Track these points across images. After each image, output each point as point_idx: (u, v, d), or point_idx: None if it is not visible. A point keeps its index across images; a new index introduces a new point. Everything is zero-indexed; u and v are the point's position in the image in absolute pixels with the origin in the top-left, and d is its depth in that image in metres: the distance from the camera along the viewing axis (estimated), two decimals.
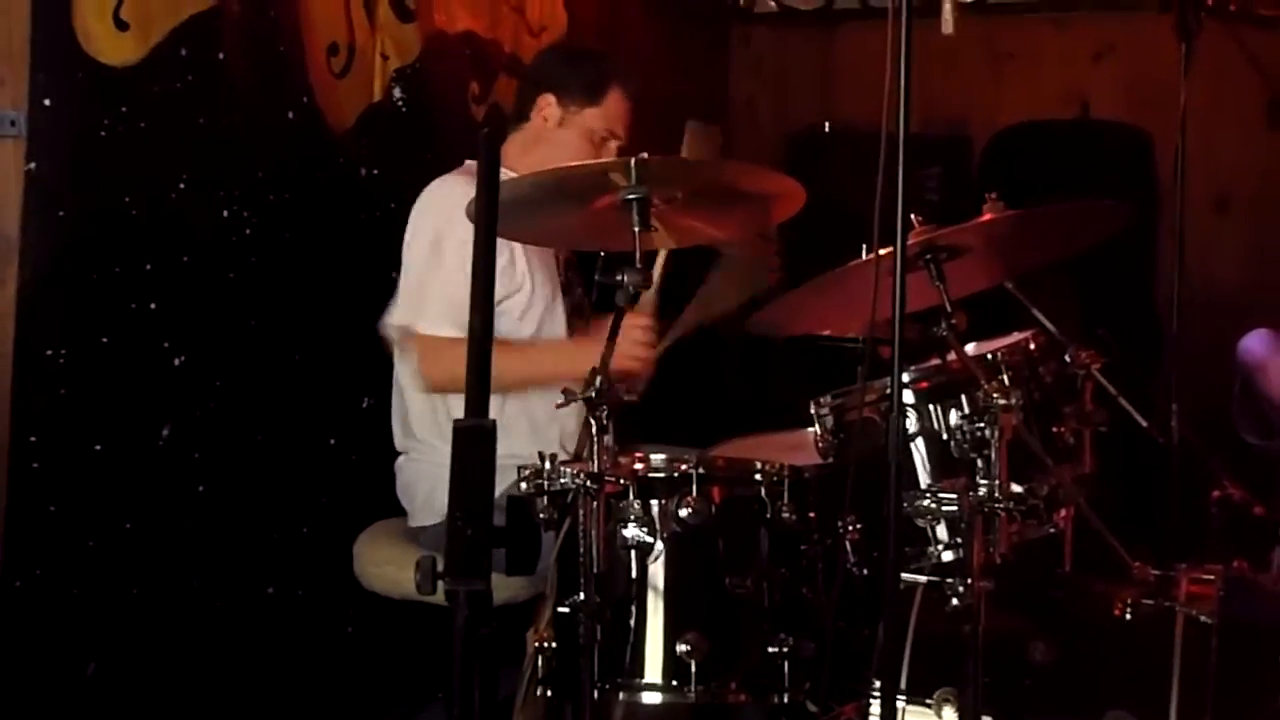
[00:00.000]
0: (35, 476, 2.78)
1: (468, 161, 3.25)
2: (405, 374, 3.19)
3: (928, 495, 2.52)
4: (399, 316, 3.11)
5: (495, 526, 1.64)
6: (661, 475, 2.44)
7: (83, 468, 2.87)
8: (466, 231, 3.00)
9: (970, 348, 2.77)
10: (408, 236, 3.13)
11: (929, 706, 2.53)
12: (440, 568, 1.65)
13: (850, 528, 2.60)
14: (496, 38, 4.03)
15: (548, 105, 3.22)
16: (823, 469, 2.67)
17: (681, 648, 2.37)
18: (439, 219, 3.06)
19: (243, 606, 3.25)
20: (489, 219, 1.68)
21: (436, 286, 3.02)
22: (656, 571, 2.41)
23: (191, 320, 3.07)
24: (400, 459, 3.26)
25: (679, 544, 2.41)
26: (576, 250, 3.31)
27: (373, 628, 3.53)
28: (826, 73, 5.63)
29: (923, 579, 2.61)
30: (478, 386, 1.63)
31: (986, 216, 2.74)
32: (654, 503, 2.41)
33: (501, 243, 3.01)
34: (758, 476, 2.51)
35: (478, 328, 1.65)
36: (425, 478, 3.15)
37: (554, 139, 3.19)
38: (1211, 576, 2.62)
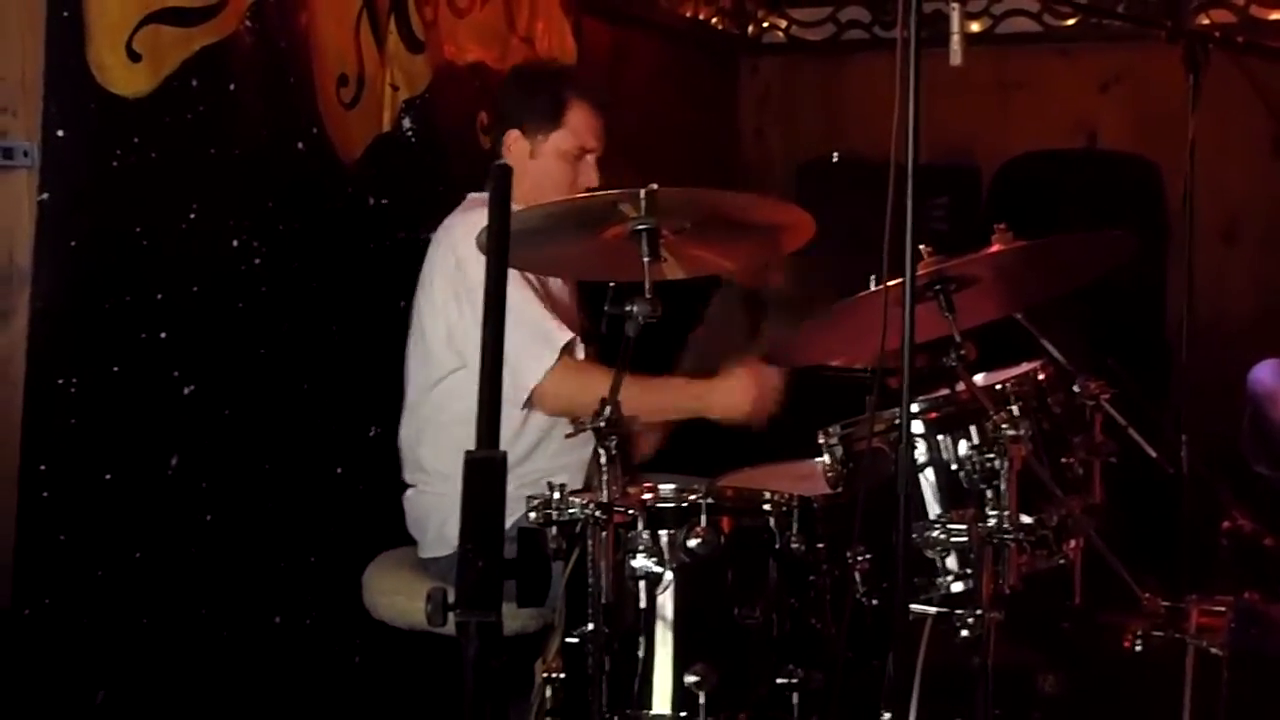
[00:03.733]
0: (45, 505, 2.78)
1: (470, 196, 3.26)
2: (426, 404, 3.18)
3: (937, 526, 2.52)
4: (526, 379, 3.03)
5: (506, 558, 1.64)
6: (670, 505, 2.44)
7: (92, 496, 2.87)
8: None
9: (979, 378, 2.77)
10: (454, 289, 3.09)
11: None
12: (451, 599, 1.64)
13: (859, 558, 2.59)
14: (506, 69, 4.03)
15: (514, 141, 3.23)
16: (831, 499, 2.67)
17: (690, 678, 2.36)
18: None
19: (250, 635, 3.25)
20: (500, 251, 1.69)
21: (518, 323, 3.01)
22: (665, 602, 2.40)
23: (201, 350, 3.08)
24: (409, 491, 3.26)
25: (688, 574, 2.41)
26: (584, 281, 3.31)
27: (381, 658, 3.52)
28: (835, 103, 5.65)
29: (932, 610, 2.61)
30: (488, 418, 1.63)
31: (995, 247, 2.74)
32: (663, 533, 2.40)
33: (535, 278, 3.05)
34: (766, 507, 2.50)
35: (489, 360, 1.65)
36: (437, 510, 3.15)
37: (531, 171, 3.17)
38: (1222, 608, 2.61)
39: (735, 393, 3.08)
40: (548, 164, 3.19)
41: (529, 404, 3.07)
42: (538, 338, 3.04)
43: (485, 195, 3.21)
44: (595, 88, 3.29)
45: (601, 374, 2.83)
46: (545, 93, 3.23)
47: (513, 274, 2.98)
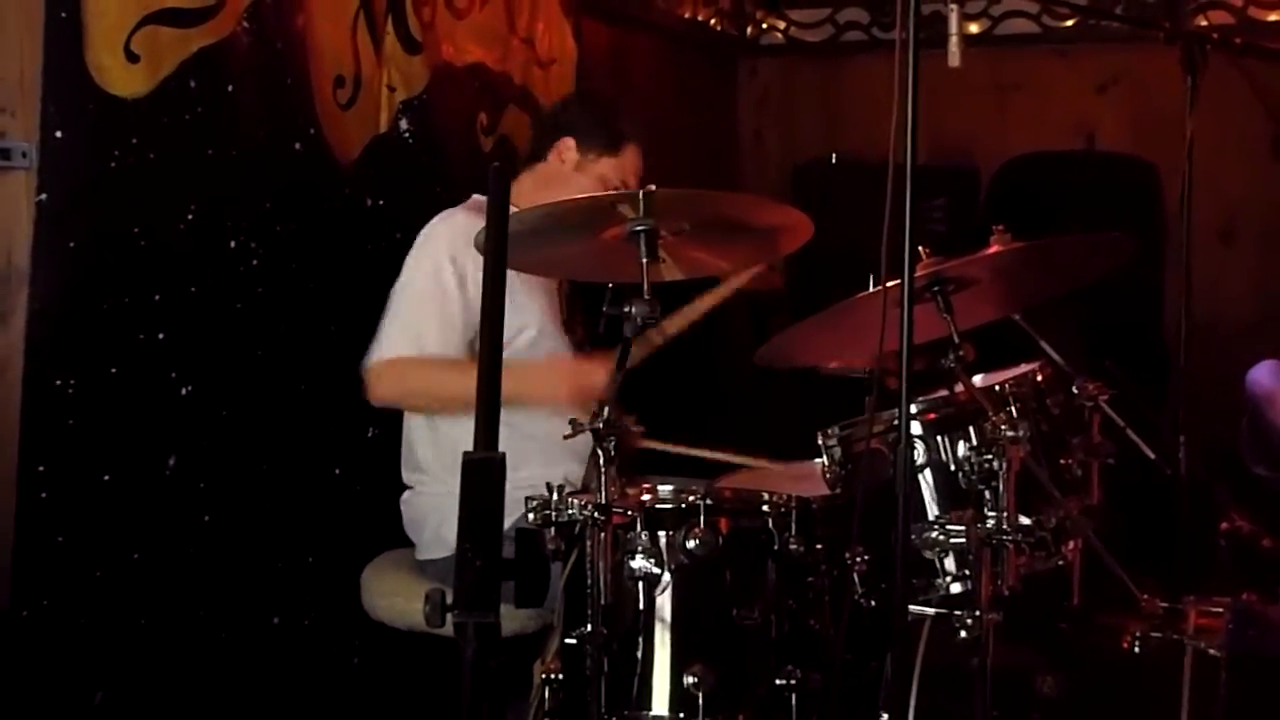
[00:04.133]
0: (43, 506, 2.78)
1: (475, 196, 3.27)
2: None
3: (935, 527, 2.52)
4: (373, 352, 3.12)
5: (504, 559, 1.64)
6: (669, 507, 2.44)
7: (90, 497, 2.87)
8: (459, 262, 3.05)
9: (978, 379, 2.77)
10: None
11: None
12: (449, 600, 1.64)
13: (858, 559, 2.59)
14: (506, 70, 4.04)
15: (567, 149, 3.26)
16: (830, 500, 2.67)
17: (689, 679, 2.36)
18: (425, 256, 3.11)
19: (249, 636, 3.25)
20: (498, 252, 1.69)
21: (404, 311, 3.08)
22: (664, 603, 2.40)
23: (199, 350, 3.08)
24: (406, 493, 3.26)
25: (686, 575, 2.40)
26: (581, 282, 3.31)
27: (379, 659, 3.52)
28: (833, 104, 5.66)
29: (930, 611, 2.61)
30: (487, 418, 1.63)
31: (994, 248, 2.74)
32: (661, 534, 2.40)
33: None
34: (765, 508, 2.50)
35: (487, 361, 1.65)
36: (434, 510, 3.15)
37: (569, 181, 3.22)
38: (1220, 609, 2.61)
39: (554, 382, 3.07)
40: (586, 182, 3.23)
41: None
42: (418, 328, 3.07)
43: (478, 198, 3.24)
44: (645, 136, 3.35)
45: (440, 369, 3.02)
46: (612, 123, 3.29)
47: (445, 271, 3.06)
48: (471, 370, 2.95)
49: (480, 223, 3.07)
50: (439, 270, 3.08)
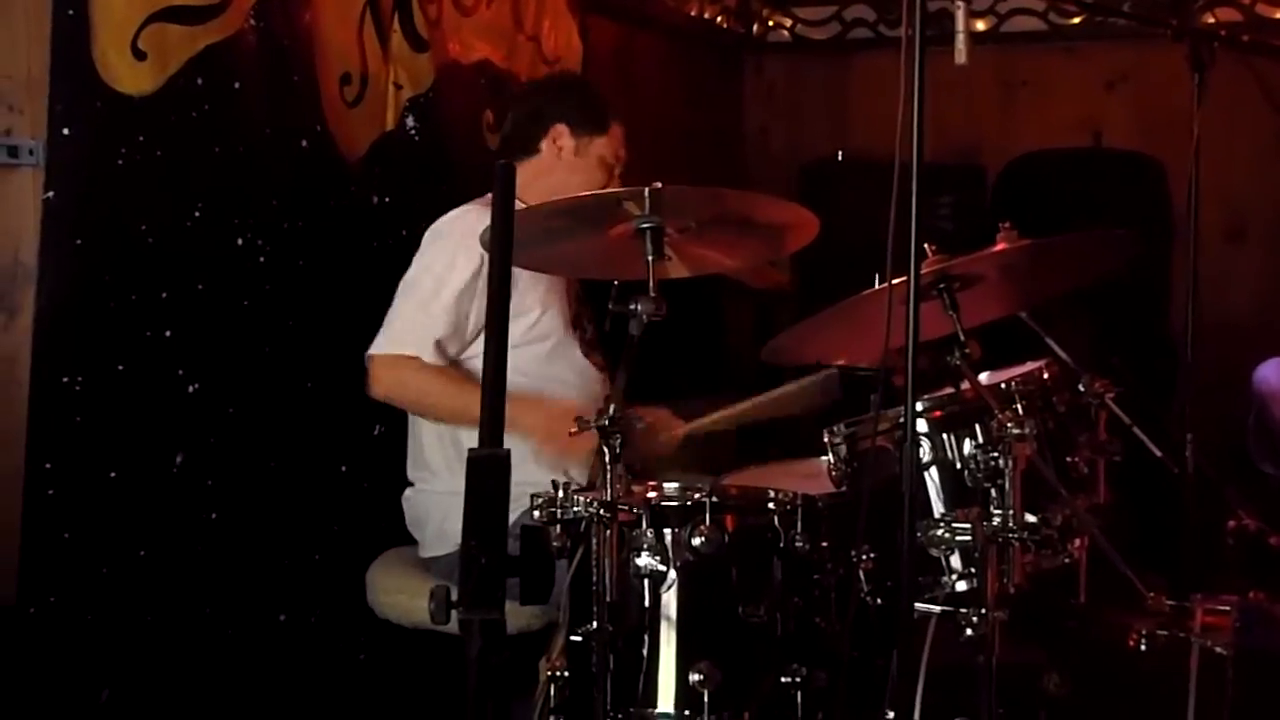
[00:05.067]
0: (50, 503, 2.78)
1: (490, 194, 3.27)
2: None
3: (941, 525, 2.51)
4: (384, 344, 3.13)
5: (509, 555, 1.64)
6: (675, 504, 2.44)
7: (97, 494, 2.88)
8: (465, 260, 3.05)
9: (984, 377, 2.77)
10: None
11: None
12: (454, 597, 1.64)
13: (864, 557, 2.59)
14: (512, 68, 4.05)
15: (561, 136, 3.25)
16: (836, 498, 2.67)
17: (694, 677, 2.36)
18: (438, 253, 3.12)
19: (255, 633, 3.25)
20: (504, 250, 1.69)
21: (411, 306, 3.09)
22: (669, 600, 2.40)
23: (205, 348, 3.08)
24: (408, 491, 3.27)
25: (692, 573, 2.40)
26: (588, 280, 3.31)
27: (385, 656, 3.52)
28: (840, 102, 5.65)
29: (937, 609, 2.61)
30: (492, 415, 1.63)
31: (1000, 246, 2.74)
32: (667, 531, 2.40)
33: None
34: (771, 505, 2.50)
35: (492, 357, 1.65)
36: (436, 507, 3.15)
37: (571, 167, 3.23)
38: (1227, 607, 2.61)
39: (535, 419, 2.99)
40: (588, 165, 3.25)
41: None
42: (416, 321, 3.08)
43: (482, 199, 3.24)
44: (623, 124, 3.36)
45: (440, 383, 3.03)
46: (595, 102, 3.31)
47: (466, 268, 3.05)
48: (470, 391, 2.97)
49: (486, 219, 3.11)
50: (450, 267, 3.08)
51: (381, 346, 3.11)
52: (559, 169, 3.22)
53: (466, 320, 3.09)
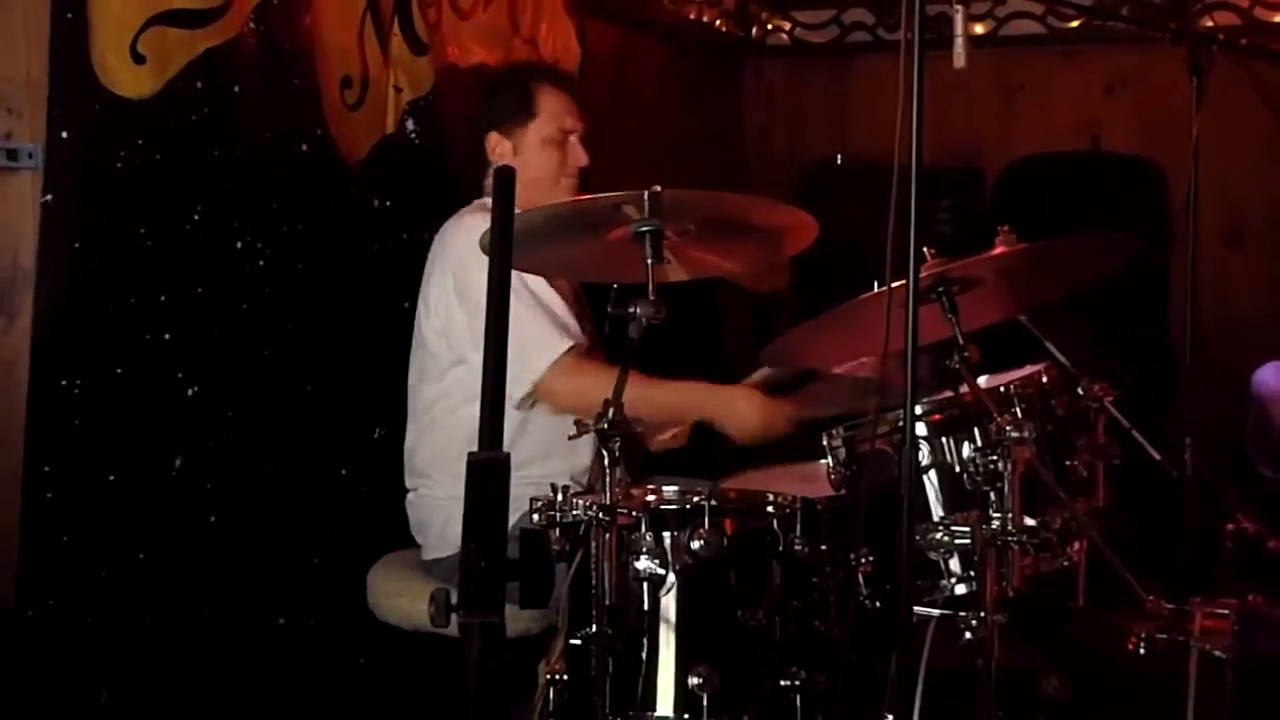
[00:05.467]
0: (49, 506, 2.79)
1: (479, 201, 3.27)
2: (422, 406, 3.20)
3: (940, 528, 2.51)
4: (525, 379, 3.05)
5: (509, 559, 1.64)
6: (674, 507, 2.43)
7: (96, 498, 2.88)
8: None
9: (983, 380, 2.77)
10: (449, 285, 3.12)
11: None
12: (454, 600, 1.64)
13: (863, 560, 2.59)
14: None
15: (497, 143, 3.26)
16: (835, 501, 2.66)
17: (693, 680, 2.36)
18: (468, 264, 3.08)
19: (255, 637, 3.25)
20: (504, 252, 1.69)
21: (523, 326, 2.96)
22: (668, 604, 2.40)
23: (205, 351, 3.08)
24: (410, 496, 3.27)
25: (691, 576, 2.40)
26: (586, 283, 3.31)
27: (385, 659, 3.52)
28: (839, 105, 5.66)
29: (936, 612, 2.61)
30: (491, 417, 1.63)
31: (999, 249, 2.74)
32: (666, 535, 2.40)
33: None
34: (770, 509, 2.50)
35: (491, 361, 1.65)
36: (439, 511, 3.15)
37: (521, 166, 3.17)
38: (1226, 610, 2.61)
39: (751, 410, 3.10)
40: (533, 155, 3.23)
41: (533, 398, 3.07)
42: (553, 328, 3.07)
43: (485, 200, 3.24)
44: (558, 72, 3.35)
45: (608, 372, 2.83)
46: (512, 88, 3.29)
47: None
48: (653, 384, 2.89)
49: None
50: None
51: (537, 368, 3.04)
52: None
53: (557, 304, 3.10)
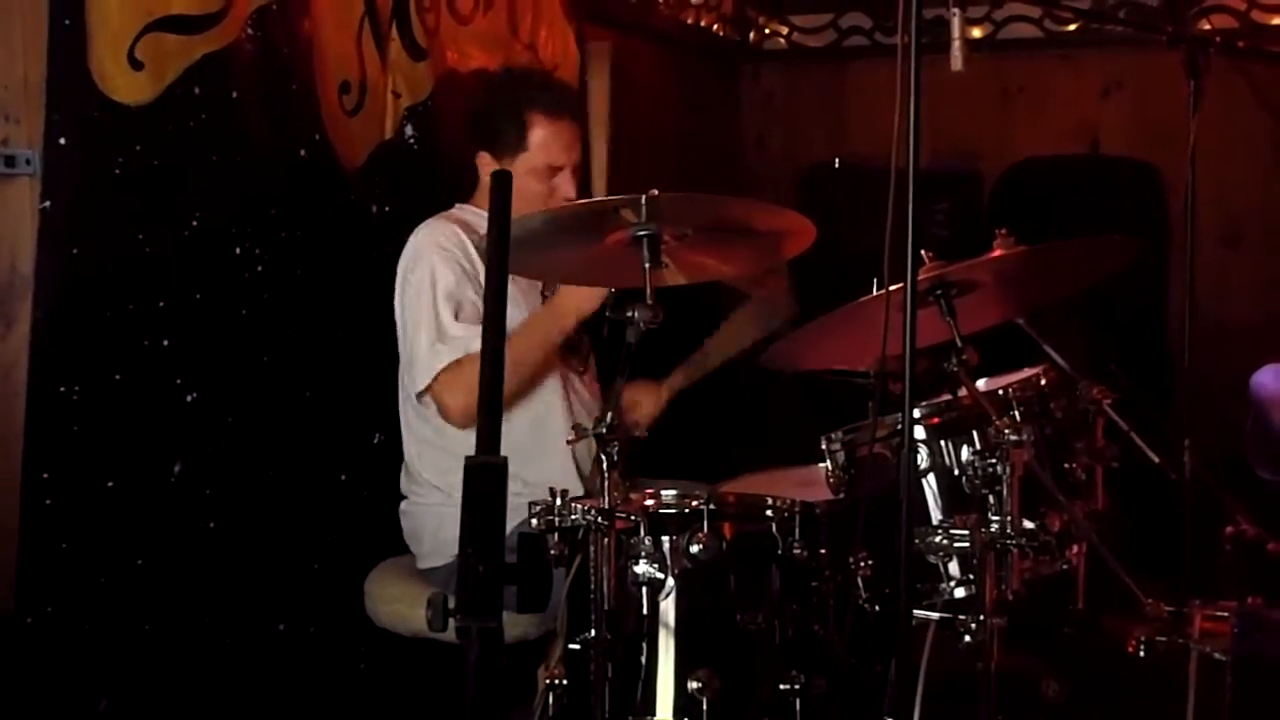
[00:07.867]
0: (47, 513, 2.78)
1: (457, 206, 3.26)
2: (410, 416, 3.19)
3: (939, 531, 2.52)
4: (420, 377, 3.05)
5: (507, 563, 1.64)
6: (672, 511, 2.44)
7: (95, 504, 2.87)
8: (439, 265, 3.04)
9: (981, 383, 2.77)
10: (397, 294, 3.14)
11: None
12: (452, 605, 1.64)
13: (862, 564, 2.59)
14: None
15: (486, 164, 3.20)
16: (834, 505, 2.67)
17: (693, 684, 2.36)
18: (421, 266, 3.09)
19: (254, 643, 3.25)
20: (502, 255, 1.69)
21: (426, 320, 3.03)
22: (667, 608, 2.40)
23: (203, 357, 3.08)
24: (403, 503, 3.26)
25: (690, 580, 2.41)
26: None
27: (384, 665, 3.52)
28: (836, 109, 5.66)
29: (935, 616, 2.61)
30: (488, 423, 1.63)
31: (997, 252, 2.74)
32: (665, 539, 2.40)
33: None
34: (769, 512, 2.50)
35: (489, 367, 1.65)
36: (431, 519, 3.15)
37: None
38: (1225, 613, 2.61)
39: (576, 292, 2.98)
40: (520, 183, 3.16)
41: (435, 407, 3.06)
42: (433, 337, 3.02)
43: (457, 208, 3.24)
44: (559, 99, 3.23)
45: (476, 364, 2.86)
46: (506, 117, 3.17)
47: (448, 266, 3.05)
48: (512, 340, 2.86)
49: (458, 230, 3.11)
50: (434, 273, 3.05)
51: (426, 375, 3.02)
52: None
53: (467, 302, 3.06)
